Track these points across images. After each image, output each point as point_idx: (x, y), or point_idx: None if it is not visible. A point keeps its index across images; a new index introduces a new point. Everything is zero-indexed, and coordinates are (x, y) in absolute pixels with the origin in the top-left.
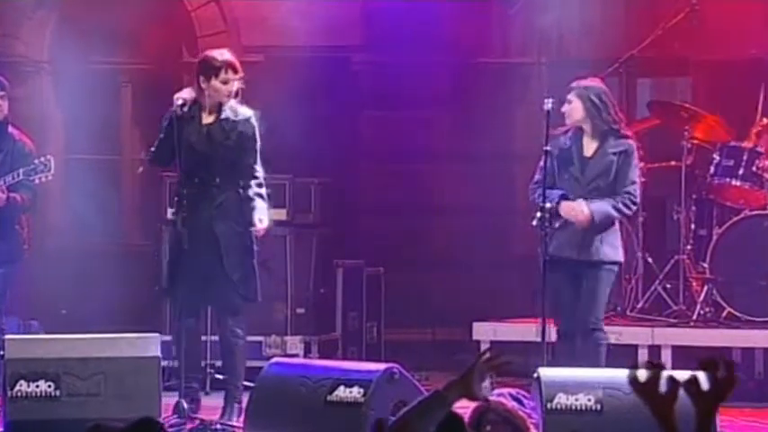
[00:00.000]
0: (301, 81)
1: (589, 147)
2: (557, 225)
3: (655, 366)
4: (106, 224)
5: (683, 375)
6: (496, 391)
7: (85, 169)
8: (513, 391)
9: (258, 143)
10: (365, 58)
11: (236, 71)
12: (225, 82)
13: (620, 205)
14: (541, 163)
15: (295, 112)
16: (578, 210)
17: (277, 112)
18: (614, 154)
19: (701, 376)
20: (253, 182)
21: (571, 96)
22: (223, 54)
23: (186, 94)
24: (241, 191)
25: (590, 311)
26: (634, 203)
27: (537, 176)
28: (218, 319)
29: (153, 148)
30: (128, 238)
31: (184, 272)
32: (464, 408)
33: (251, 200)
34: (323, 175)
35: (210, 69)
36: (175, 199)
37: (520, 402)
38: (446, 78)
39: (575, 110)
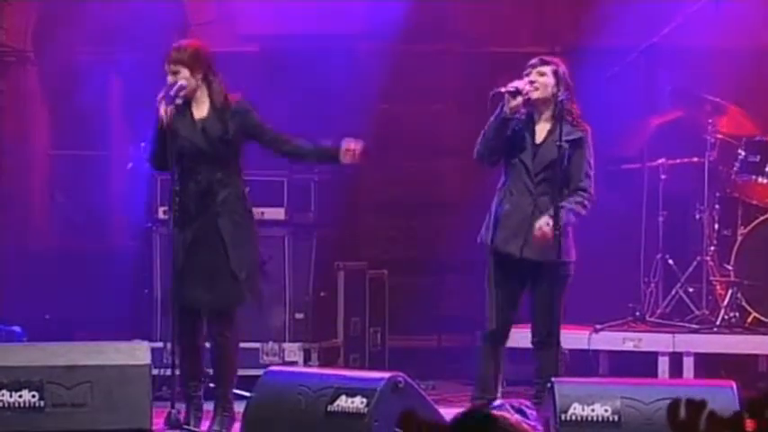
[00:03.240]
0: (300, 72)
1: (540, 133)
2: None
3: (696, 403)
4: (93, 224)
5: (725, 414)
6: (498, 402)
7: (71, 166)
8: (515, 402)
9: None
10: (368, 47)
11: (172, 61)
12: (170, 73)
13: (580, 208)
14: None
15: (293, 104)
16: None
17: (273, 104)
18: (567, 142)
19: (745, 418)
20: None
21: (546, 69)
22: (179, 43)
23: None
24: (242, 185)
25: (554, 321)
26: (591, 201)
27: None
28: (209, 320)
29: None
30: (116, 238)
31: (186, 274)
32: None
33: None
34: (323, 171)
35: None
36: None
37: (523, 414)
38: (455, 68)
39: (546, 85)
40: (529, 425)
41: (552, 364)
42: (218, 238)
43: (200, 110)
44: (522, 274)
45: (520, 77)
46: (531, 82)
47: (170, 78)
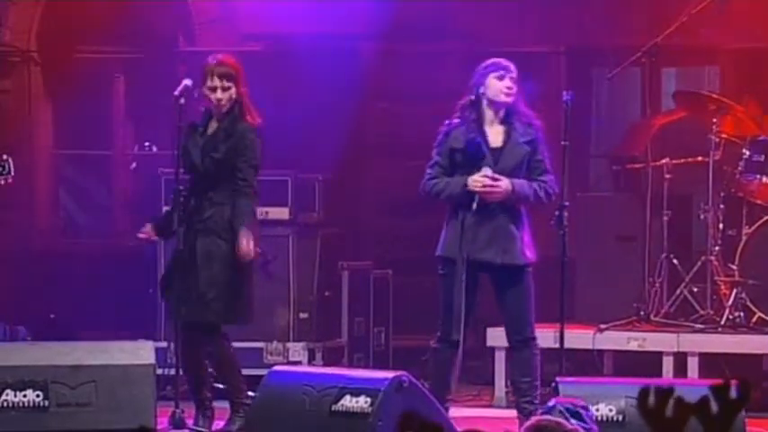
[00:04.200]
0: (305, 71)
1: (495, 136)
2: (473, 210)
3: (663, 389)
4: (97, 223)
5: (691, 399)
6: (551, 403)
7: (75, 165)
8: (568, 403)
9: (254, 159)
10: (374, 46)
11: (222, 77)
12: (212, 89)
13: (540, 189)
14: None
15: (298, 104)
16: (490, 182)
17: (278, 104)
18: (525, 143)
19: (712, 399)
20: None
21: (515, 75)
22: (216, 57)
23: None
24: (231, 206)
25: (527, 321)
26: (554, 193)
27: (431, 169)
28: (203, 336)
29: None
30: (120, 238)
31: (173, 287)
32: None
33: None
34: (327, 171)
35: (203, 74)
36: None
37: (579, 417)
38: (460, 68)
39: (515, 92)
40: (584, 428)
41: (532, 362)
42: (202, 255)
43: (214, 125)
44: (494, 280)
45: (524, 76)
46: (509, 88)
47: (219, 94)
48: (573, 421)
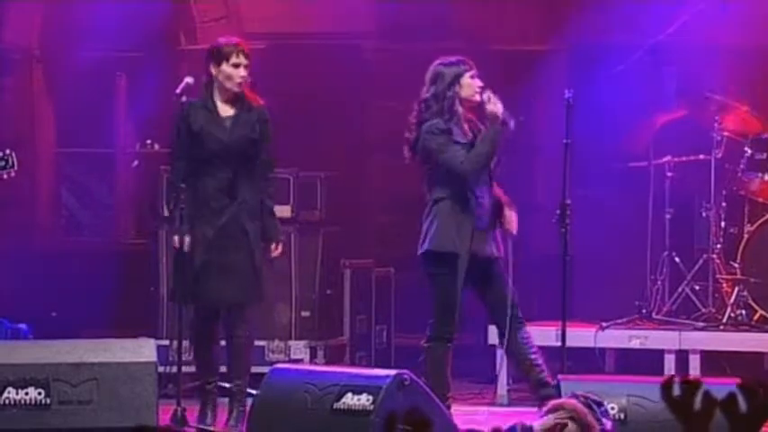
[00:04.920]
0: (307, 69)
1: (466, 132)
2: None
3: (691, 381)
4: (99, 222)
5: (720, 393)
6: (569, 396)
7: (77, 163)
8: (586, 395)
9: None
10: (376, 45)
11: (246, 56)
12: (236, 66)
13: None
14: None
15: (300, 102)
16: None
17: (281, 102)
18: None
19: (739, 396)
20: (268, 186)
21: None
22: (231, 39)
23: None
24: (257, 186)
25: (514, 303)
26: None
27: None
28: (226, 317)
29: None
30: (122, 236)
31: (208, 270)
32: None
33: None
34: (330, 168)
35: (219, 55)
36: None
37: (591, 408)
38: None
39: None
40: (597, 418)
41: (531, 338)
42: (244, 236)
43: (228, 108)
44: (484, 274)
45: (525, 75)
46: (483, 87)
47: (243, 71)
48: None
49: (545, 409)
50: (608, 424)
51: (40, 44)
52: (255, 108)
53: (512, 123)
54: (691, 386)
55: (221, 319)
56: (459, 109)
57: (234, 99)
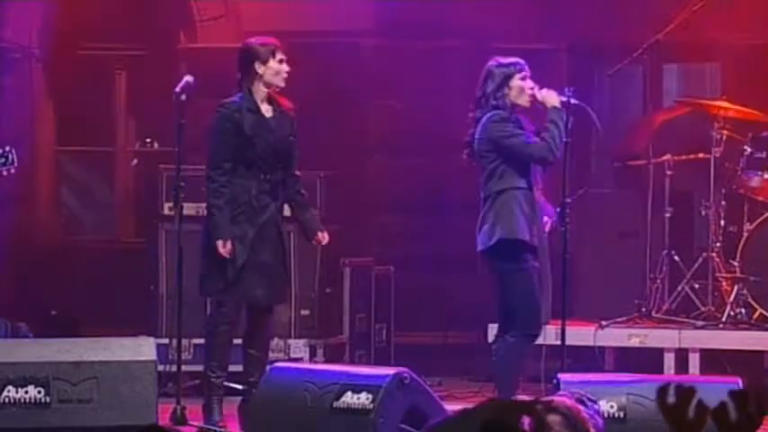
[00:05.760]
0: (306, 68)
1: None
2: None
3: (686, 389)
4: (98, 220)
5: (712, 402)
6: (559, 393)
7: (77, 162)
8: (577, 393)
9: None
10: (375, 43)
11: (284, 52)
12: (282, 62)
13: None
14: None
15: (300, 101)
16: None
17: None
18: None
19: (730, 405)
20: (299, 183)
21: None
22: (267, 38)
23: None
24: (292, 186)
25: None
26: None
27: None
28: (257, 316)
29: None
30: (121, 234)
31: (248, 270)
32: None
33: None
34: (330, 167)
35: (265, 52)
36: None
37: (584, 404)
38: (461, 65)
39: None
40: (589, 414)
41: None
42: (280, 239)
43: (267, 108)
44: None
45: (532, 73)
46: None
47: (286, 66)
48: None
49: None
50: (600, 422)
51: (39, 43)
52: (286, 108)
53: (573, 101)
54: (686, 393)
55: (248, 316)
56: (513, 106)
57: (269, 99)
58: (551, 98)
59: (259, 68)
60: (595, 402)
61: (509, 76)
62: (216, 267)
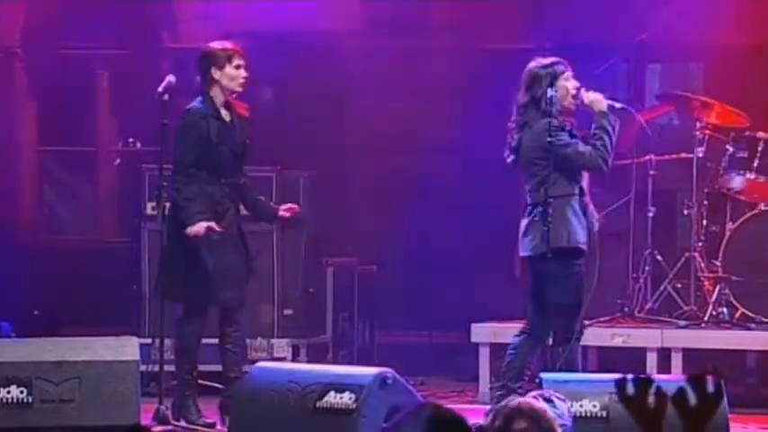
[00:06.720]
0: (288, 67)
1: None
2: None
3: (644, 379)
4: (81, 220)
5: (670, 389)
6: (532, 394)
7: (60, 161)
8: (546, 392)
9: None
10: (359, 42)
11: (245, 57)
12: (238, 67)
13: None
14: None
15: (281, 100)
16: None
17: (261, 100)
18: None
19: (689, 390)
20: (247, 181)
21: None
22: (224, 43)
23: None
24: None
25: None
26: None
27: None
28: (228, 318)
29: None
30: (104, 234)
31: (218, 273)
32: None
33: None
34: (312, 167)
35: (222, 57)
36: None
37: (551, 403)
38: (444, 65)
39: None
40: (555, 414)
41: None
42: (242, 240)
43: (225, 113)
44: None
45: (509, 73)
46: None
47: (243, 71)
48: (543, 404)
49: (501, 409)
50: (568, 421)
51: (22, 42)
52: (242, 112)
53: (617, 105)
54: (643, 384)
55: (220, 316)
56: (561, 110)
57: (226, 104)
58: (599, 102)
59: (215, 74)
60: (564, 401)
61: (555, 78)
62: (183, 270)
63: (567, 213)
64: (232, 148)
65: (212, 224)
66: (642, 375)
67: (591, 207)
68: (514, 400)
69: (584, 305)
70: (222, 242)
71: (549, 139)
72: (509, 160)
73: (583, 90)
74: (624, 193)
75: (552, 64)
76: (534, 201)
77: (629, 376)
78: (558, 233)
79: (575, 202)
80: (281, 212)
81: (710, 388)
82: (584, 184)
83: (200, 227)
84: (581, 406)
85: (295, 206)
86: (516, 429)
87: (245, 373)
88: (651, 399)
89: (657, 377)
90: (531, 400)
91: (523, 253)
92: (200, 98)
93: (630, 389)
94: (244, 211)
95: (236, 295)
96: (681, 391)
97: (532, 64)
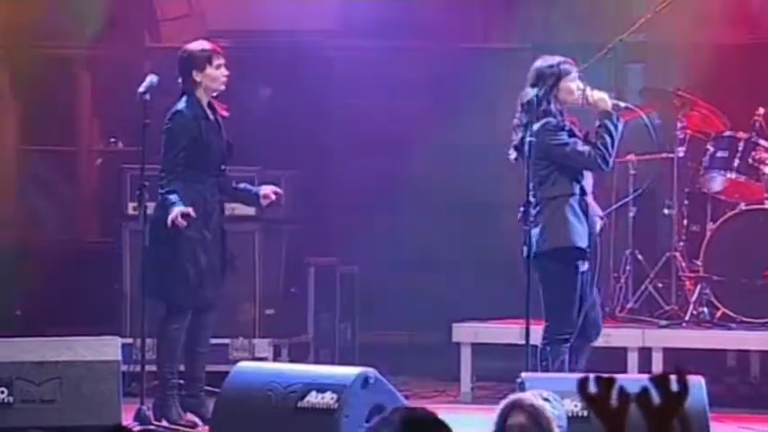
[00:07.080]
0: (270, 68)
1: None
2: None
3: (606, 379)
4: (62, 219)
5: (633, 388)
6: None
7: (41, 161)
8: (543, 392)
9: None
10: (339, 43)
11: (224, 57)
12: (219, 67)
13: None
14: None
15: (263, 100)
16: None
17: (244, 100)
18: None
19: (652, 390)
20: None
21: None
22: (203, 43)
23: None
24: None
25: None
26: None
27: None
28: (203, 316)
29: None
30: (85, 234)
31: (205, 273)
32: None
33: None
34: (293, 167)
35: (202, 59)
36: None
37: (549, 403)
38: (426, 65)
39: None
40: (554, 413)
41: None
42: (222, 239)
43: (210, 113)
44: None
45: (490, 73)
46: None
47: (224, 71)
48: (543, 403)
49: (502, 404)
50: (564, 422)
51: (3, 42)
52: (221, 113)
53: (621, 104)
54: (606, 382)
55: (193, 316)
56: (562, 109)
57: (209, 104)
58: (603, 101)
59: (197, 76)
60: (561, 402)
61: (559, 77)
62: (167, 270)
63: (567, 213)
64: (220, 147)
65: (189, 209)
66: (604, 375)
67: (594, 207)
68: (514, 395)
69: (585, 306)
70: (206, 242)
71: (546, 139)
72: (512, 158)
73: (588, 89)
74: (605, 193)
75: (558, 63)
76: (536, 200)
77: (591, 375)
78: (556, 234)
79: (574, 202)
80: (262, 193)
81: (674, 387)
82: (587, 183)
83: (175, 213)
84: (562, 406)
85: (276, 188)
86: (514, 423)
87: (212, 372)
88: (613, 398)
89: (621, 377)
90: (531, 396)
91: (526, 252)
92: (184, 99)
93: (592, 388)
94: (227, 211)
95: (214, 295)
96: (644, 390)
97: (539, 62)
